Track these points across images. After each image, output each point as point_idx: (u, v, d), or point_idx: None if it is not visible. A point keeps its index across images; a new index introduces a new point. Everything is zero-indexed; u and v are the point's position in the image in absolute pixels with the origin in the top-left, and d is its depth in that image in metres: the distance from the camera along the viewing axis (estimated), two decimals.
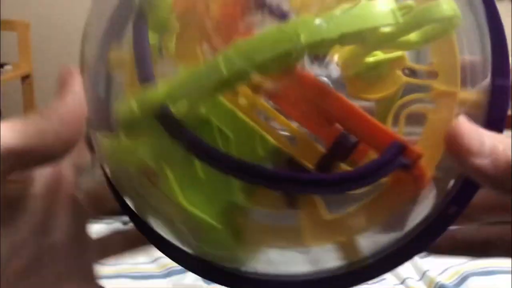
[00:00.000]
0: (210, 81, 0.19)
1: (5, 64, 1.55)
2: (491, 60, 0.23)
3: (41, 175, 0.25)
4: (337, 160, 0.22)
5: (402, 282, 0.60)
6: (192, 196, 0.21)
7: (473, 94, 0.23)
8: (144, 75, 0.21)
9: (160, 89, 0.20)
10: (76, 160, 0.27)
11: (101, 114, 0.24)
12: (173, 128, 0.20)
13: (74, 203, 0.27)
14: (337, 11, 0.19)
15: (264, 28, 0.21)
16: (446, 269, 0.62)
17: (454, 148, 0.21)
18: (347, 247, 0.23)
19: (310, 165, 0.21)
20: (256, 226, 0.23)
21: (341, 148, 0.21)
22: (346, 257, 0.23)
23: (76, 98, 0.23)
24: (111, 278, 0.57)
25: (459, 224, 0.27)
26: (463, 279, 0.59)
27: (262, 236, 0.23)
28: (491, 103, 0.23)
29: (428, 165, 0.22)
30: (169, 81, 0.20)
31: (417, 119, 0.23)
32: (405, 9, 0.21)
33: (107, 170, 0.24)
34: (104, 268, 0.62)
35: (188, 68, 0.21)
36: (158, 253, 0.61)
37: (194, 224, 0.22)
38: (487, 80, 0.23)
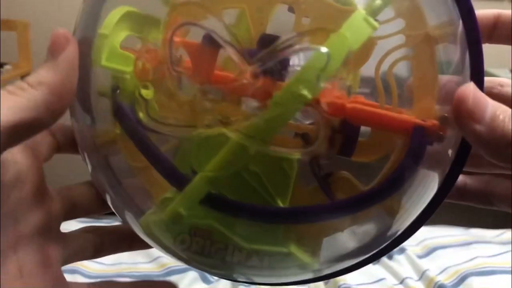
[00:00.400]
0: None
1: (5, 64, 1.55)
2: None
3: (14, 163, 0.25)
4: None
5: (401, 282, 0.60)
6: None
7: (443, 27, 0.24)
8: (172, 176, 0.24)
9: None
10: (39, 148, 0.27)
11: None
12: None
13: (43, 196, 0.26)
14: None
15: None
16: (445, 269, 0.62)
17: (458, 110, 0.22)
18: None
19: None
20: None
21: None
22: None
23: (68, 66, 0.23)
24: (111, 278, 0.57)
25: (468, 172, 0.30)
26: (462, 279, 0.59)
27: None
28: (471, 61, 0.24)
29: (430, 113, 0.24)
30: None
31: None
32: None
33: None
34: (104, 268, 0.62)
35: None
36: (157, 253, 0.61)
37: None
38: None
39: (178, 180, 0.24)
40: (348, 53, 0.22)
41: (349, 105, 0.23)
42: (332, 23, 0.22)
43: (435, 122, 0.23)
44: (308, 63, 0.22)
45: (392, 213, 0.25)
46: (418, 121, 0.23)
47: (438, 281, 0.59)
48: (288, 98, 0.21)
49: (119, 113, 0.24)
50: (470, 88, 0.23)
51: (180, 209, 0.24)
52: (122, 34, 0.24)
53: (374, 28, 0.22)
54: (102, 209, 0.29)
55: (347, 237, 0.26)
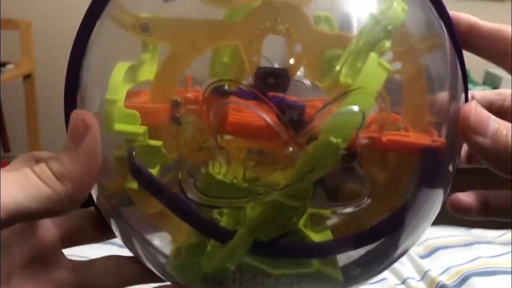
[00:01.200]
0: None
1: (7, 63, 1.55)
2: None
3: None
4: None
5: (403, 282, 0.60)
6: None
7: (428, 40, 0.26)
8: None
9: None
10: None
11: None
12: None
13: (37, 225, 0.27)
14: None
15: None
16: (447, 269, 0.62)
17: (463, 126, 0.25)
18: None
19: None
20: None
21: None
22: None
23: (90, 156, 0.23)
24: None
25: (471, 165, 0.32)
26: (464, 279, 0.59)
27: None
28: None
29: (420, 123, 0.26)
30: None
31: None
32: None
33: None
34: None
35: None
36: None
37: None
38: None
39: (220, 234, 0.25)
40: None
41: (384, 139, 0.24)
42: (323, 51, 0.24)
43: (443, 141, 0.25)
44: (346, 124, 0.23)
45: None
46: (428, 142, 0.25)
47: (440, 281, 0.59)
48: (330, 155, 0.23)
49: (140, 175, 0.25)
50: (471, 106, 0.25)
51: (227, 264, 0.25)
52: (124, 91, 0.25)
53: (388, 70, 0.23)
54: (103, 237, 0.30)
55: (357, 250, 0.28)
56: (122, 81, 0.25)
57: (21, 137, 1.68)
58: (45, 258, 0.27)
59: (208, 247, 0.26)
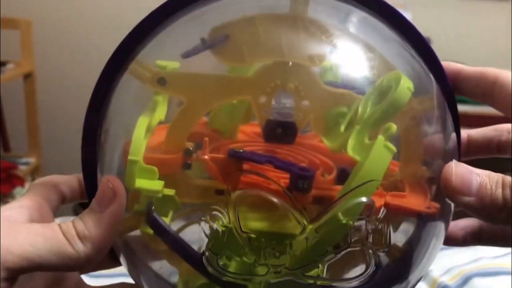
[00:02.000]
0: None
1: (7, 62, 1.55)
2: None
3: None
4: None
5: None
6: None
7: (425, 102, 0.28)
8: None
9: None
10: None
11: None
12: None
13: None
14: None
15: None
16: (449, 270, 0.62)
17: (446, 189, 0.25)
18: None
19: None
20: None
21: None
22: None
23: (112, 222, 0.25)
24: (110, 277, 0.57)
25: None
26: (466, 279, 0.59)
27: None
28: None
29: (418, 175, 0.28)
30: None
31: None
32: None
33: None
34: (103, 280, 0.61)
35: None
36: None
37: None
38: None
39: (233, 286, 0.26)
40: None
41: (391, 203, 0.26)
42: (329, 108, 0.26)
43: (437, 207, 0.27)
44: (356, 209, 0.25)
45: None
46: (424, 210, 0.27)
47: (441, 282, 0.59)
48: (340, 235, 0.25)
49: (159, 229, 0.26)
50: (451, 167, 0.25)
51: None
52: (144, 147, 0.26)
53: (393, 153, 0.25)
54: (114, 264, 0.31)
55: None
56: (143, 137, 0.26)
57: (21, 137, 1.69)
58: (65, 283, 0.29)
59: None
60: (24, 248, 0.23)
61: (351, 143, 0.26)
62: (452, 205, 0.28)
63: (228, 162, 0.26)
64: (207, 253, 0.26)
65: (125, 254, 0.29)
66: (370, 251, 0.26)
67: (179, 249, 0.26)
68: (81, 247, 0.24)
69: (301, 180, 0.25)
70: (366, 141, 0.26)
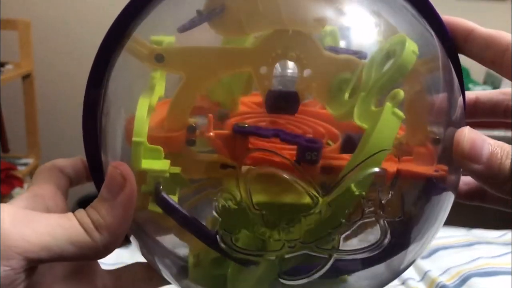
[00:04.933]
0: None
1: (6, 63, 1.55)
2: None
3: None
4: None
5: (403, 282, 0.60)
6: None
7: (429, 63, 0.27)
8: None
9: None
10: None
11: None
12: None
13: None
14: None
15: None
16: (447, 270, 0.62)
17: (456, 153, 0.25)
18: None
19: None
20: None
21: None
22: None
23: (126, 208, 0.25)
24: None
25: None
26: (464, 279, 0.59)
27: None
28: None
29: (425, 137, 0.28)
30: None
31: None
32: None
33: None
34: (106, 268, 0.61)
35: None
36: None
37: None
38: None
39: (242, 261, 0.27)
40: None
41: (402, 169, 0.26)
42: (332, 75, 0.26)
43: (445, 170, 0.27)
44: (368, 179, 0.25)
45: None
46: (432, 173, 0.27)
47: (440, 282, 0.59)
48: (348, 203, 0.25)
49: (168, 207, 0.26)
50: (465, 131, 0.25)
51: None
52: (147, 127, 0.26)
53: (401, 118, 0.25)
54: (126, 243, 0.31)
55: None
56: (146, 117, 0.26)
57: (20, 138, 1.68)
58: (84, 269, 0.28)
59: (229, 269, 0.28)
60: (43, 238, 0.23)
61: (357, 111, 0.25)
62: (460, 174, 0.28)
63: (233, 138, 0.26)
64: (221, 232, 0.25)
65: (135, 233, 0.29)
66: (384, 220, 0.25)
67: (191, 228, 0.26)
68: (97, 236, 0.24)
69: (308, 152, 0.25)
70: (373, 108, 0.25)
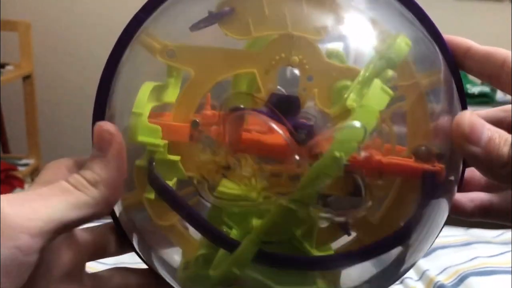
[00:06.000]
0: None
1: (6, 64, 1.55)
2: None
3: None
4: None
5: (401, 282, 0.60)
6: None
7: (431, 75, 0.28)
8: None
9: None
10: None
11: None
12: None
13: (71, 240, 0.28)
14: None
15: None
16: (445, 269, 0.62)
17: (456, 134, 0.25)
18: None
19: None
20: None
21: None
22: None
23: (118, 161, 0.26)
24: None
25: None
26: (462, 279, 0.59)
27: None
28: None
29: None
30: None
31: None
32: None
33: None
34: (104, 267, 0.61)
35: None
36: None
37: None
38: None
39: (229, 244, 0.27)
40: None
41: (384, 160, 0.26)
42: (333, 81, 0.26)
43: (442, 166, 0.27)
44: (349, 139, 0.25)
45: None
46: (428, 167, 0.27)
47: (437, 281, 0.59)
48: (331, 165, 0.25)
49: (157, 185, 0.27)
50: (466, 114, 0.26)
51: (234, 269, 0.27)
52: (149, 108, 0.27)
53: (390, 96, 0.25)
54: (123, 251, 0.31)
55: (364, 267, 0.29)
56: (148, 98, 0.27)
57: (21, 138, 1.69)
58: (76, 272, 0.29)
59: (216, 256, 0.28)
60: (42, 212, 0.23)
61: (350, 97, 0.26)
62: (458, 175, 0.28)
63: (229, 117, 0.27)
64: (197, 179, 0.27)
65: (133, 233, 0.30)
66: (362, 180, 0.26)
67: (181, 210, 0.27)
68: (95, 192, 0.25)
69: (300, 129, 0.26)
70: (365, 91, 0.26)
